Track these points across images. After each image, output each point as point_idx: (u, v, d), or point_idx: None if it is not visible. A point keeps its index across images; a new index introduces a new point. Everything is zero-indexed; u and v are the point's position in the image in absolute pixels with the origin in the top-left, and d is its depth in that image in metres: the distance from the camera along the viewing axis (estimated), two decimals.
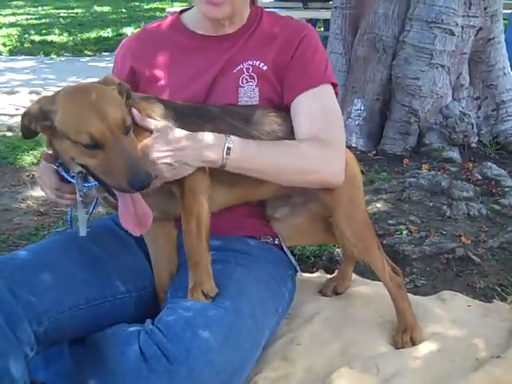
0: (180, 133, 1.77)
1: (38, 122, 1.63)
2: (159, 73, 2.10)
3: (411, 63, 4.38)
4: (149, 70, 2.11)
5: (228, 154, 1.79)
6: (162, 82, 2.09)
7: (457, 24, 4.31)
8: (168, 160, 1.73)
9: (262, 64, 2.04)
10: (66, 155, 1.67)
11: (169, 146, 1.74)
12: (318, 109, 1.99)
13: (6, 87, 7.55)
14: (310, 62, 2.04)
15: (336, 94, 2.10)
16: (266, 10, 2.21)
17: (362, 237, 2.12)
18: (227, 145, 1.79)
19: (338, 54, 4.81)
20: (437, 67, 4.36)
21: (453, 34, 4.31)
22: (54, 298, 1.74)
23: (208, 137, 1.80)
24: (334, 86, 2.09)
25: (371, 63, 4.55)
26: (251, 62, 2.04)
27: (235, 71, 2.04)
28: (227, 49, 2.07)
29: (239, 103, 2.03)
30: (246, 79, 2.03)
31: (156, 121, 1.80)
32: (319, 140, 1.95)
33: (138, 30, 2.33)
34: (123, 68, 2.16)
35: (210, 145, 1.78)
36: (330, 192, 2.02)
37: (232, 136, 1.82)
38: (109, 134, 1.56)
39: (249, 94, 2.03)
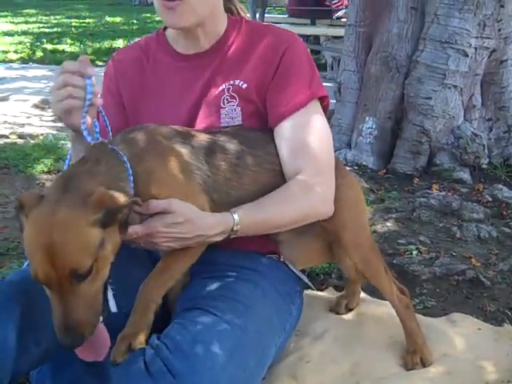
0: (183, 217, 1.67)
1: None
2: (145, 94, 2.06)
3: (424, 83, 4.39)
4: (135, 91, 2.07)
5: (234, 234, 1.76)
6: (148, 105, 2.05)
7: (470, 45, 4.32)
8: (171, 244, 1.69)
9: (241, 82, 1.97)
10: None
11: (173, 231, 1.66)
12: (303, 138, 1.92)
13: (17, 95, 7.59)
14: (292, 80, 1.95)
15: (326, 105, 2.03)
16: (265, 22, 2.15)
17: (369, 262, 2.11)
18: (235, 228, 1.74)
19: (350, 72, 4.82)
20: (449, 87, 4.36)
21: (466, 54, 4.32)
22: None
23: (215, 223, 1.73)
24: (323, 98, 2.00)
25: (384, 82, 4.56)
26: (232, 82, 1.97)
27: (217, 92, 1.98)
28: (206, 67, 2.00)
29: (221, 125, 1.97)
30: (227, 99, 1.97)
31: (158, 201, 1.67)
32: (306, 179, 1.89)
33: (126, 46, 2.27)
34: (114, 89, 2.12)
35: (216, 233, 1.73)
36: (335, 220, 1.99)
37: (238, 212, 1.76)
38: (54, 280, 1.38)
39: (230, 114, 1.97)
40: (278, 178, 1.92)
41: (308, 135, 1.92)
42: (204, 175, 1.79)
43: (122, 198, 1.48)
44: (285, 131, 1.93)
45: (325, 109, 2.03)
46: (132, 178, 1.64)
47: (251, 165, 1.89)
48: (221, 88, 1.98)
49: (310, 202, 1.91)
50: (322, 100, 2.01)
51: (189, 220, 1.67)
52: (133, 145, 1.72)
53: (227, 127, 1.96)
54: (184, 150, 1.78)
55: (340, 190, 1.99)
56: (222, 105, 1.97)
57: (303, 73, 1.98)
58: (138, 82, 2.07)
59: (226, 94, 1.97)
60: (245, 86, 1.96)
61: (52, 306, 1.41)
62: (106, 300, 1.52)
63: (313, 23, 8.84)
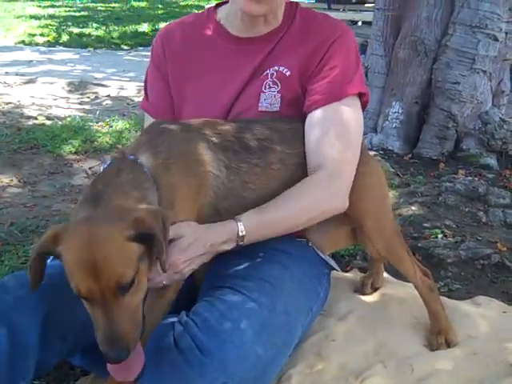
0: (192, 237, 1.66)
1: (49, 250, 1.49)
2: (192, 72, 2.05)
3: (452, 67, 4.36)
4: (181, 67, 2.07)
5: (242, 240, 1.75)
6: (194, 84, 2.05)
7: (501, 29, 4.28)
8: (188, 269, 1.68)
9: (285, 69, 1.97)
10: None
11: (186, 256, 1.65)
12: (333, 130, 1.91)
13: (44, 77, 7.66)
14: (335, 71, 1.94)
15: (365, 102, 2.02)
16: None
17: (392, 248, 2.11)
18: (240, 234, 1.73)
19: (378, 56, 4.79)
20: (478, 72, 4.33)
21: (496, 39, 4.28)
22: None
23: (219, 232, 1.73)
24: (362, 95, 2.00)
25: (412, 66, 4.54)
26: (277, 67, 1.98)
27: (262, 76, 1.99)
28: (258, 52, 2.00)
29: (259, 109, 1.98)
30: (269, 85, 1.97)
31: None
32: (326, 174, 1.88)
33: (176, 20, 2.22)
34: (160, 62, 2.11)
35: (224, 241, 1.72)
36: (357, 207, 1.98)
37: (242, 218, 1.75)
38: (98, 294, 1.38)
39: (270, 100, 1.97)
40: (299, 172, 1.92)
41: (338, 129, 1.92)
42: (220, 184, 1.80)
43: (157, 227, 1.47)
44: (316, 120, 1.93)
45: (364, 105, 2.02)
46: (156, 190, 1.65)
47: (273, 162, 1.90)
48: (265, 73, 1.98)
49: (323, 199, 1.89)
50: (362, 96, 2.00)
51: (198, 238, 1.67)
52: (156, 155, 1.72)
53: (255, 120, 1.96)
54: (207, 157, 1.78)
55: (362, 177, 1.98)
56: (264, 89, 1.98)
57: (347, 66, 1.96)
58: (184, 57, 2.07)
59: (269, 79, 1.97)
60: (288, 73, 1.97)
61: (95, 320, 1.41)
62: (143, 315, 1.52)
63: (329, 8, 8.77)
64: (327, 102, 1.92)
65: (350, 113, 1.95)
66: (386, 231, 2.08)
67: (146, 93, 2.20)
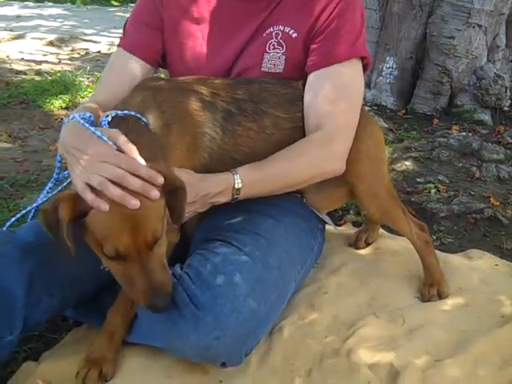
0: (186, 183, 1.60)
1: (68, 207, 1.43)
2: (192, 27, 2.00)
3: (447, 21, 4.29)
4: (181, 20, 2.01)
5: (238, 194, 1.76)
6: (195, 36, 2.00)
7: None
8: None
9: (292, 31, 1.93)
10: (93, 249, 1.50)
11: None
12: (334, 91, 1.90)
13: (33, 33, 7.55)
14: (340, 32, 1.90)
15: (366, 64, 2.00)
16: None
17: (386, 211, 2.12)
18: (236, 186, 1.74)
19: (372, 10, 4.70)
20: (473, 27, 4.26)
21: None
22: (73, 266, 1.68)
23: (215, 182, 1.74)
24: (363, 58, 1.98)
25: (406, 20, 4.47)
26: (282, 28, 1.93)
27: (265, 35, 1.94)
28: (263, 10, 1.95)
29: (262, 69, 1.95)
30: (274, 45, 1.93)
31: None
32: (324, 134, 1.88)
33: None
34: (156, 8, 2.01)
35: (219, 191, 1.73)
36: (352, 170, 1.97)
37: (239, 170, 1.77)
38: (134, 250, 1.42)
39: (273, 61, 1.94)
40: (293, 136, 1.91)
41: (338, 91, 1.90)
42: (214, 146, 1.79)
43: (179, 182, 1.52)
44: (317, 81, 1.91)
45: (365, 68, 2.00)
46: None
47: (268, 127, 1.89)
48: (268, 31, 1.94)
49: (321, 159, 1.89)
50: (363, 59, 1.98)
51: (191, 185, 1.66)
52: (161, 115, 1.70)
53: (254, 80, 1.93)
54: (204, 118, 1.77)
55: (357, 141, 1.97)
56: (268, 50, 1.94)
57: (352, 29, 1.93)
58: (185, 5, 2.00)
59: (274, 39, 1.94)
60: (295, 34, 1.93)
61: (130, 277, 1.46)
62: None
63: None
64: (329, 63, 1.91)
65: (351, 75, 1.94)
66: (379, 196, 2.08)
67: (124, 32, 2.09)
